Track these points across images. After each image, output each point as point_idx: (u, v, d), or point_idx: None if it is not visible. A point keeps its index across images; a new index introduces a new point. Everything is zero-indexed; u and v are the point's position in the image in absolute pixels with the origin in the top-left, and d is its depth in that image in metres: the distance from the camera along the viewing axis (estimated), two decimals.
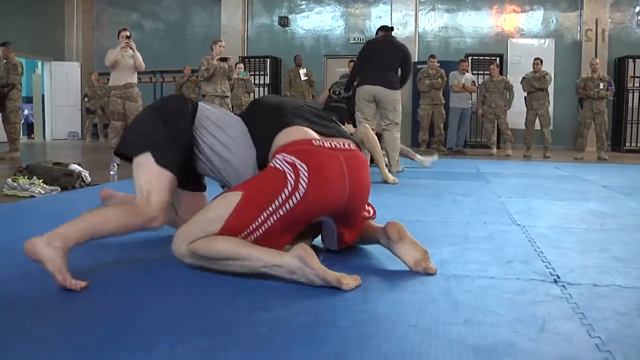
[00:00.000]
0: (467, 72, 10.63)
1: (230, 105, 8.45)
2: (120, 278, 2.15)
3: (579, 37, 12.29)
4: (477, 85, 10.63)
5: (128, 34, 7.11)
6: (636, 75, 11.59)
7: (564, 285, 2.09)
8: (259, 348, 1.48)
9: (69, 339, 1.53)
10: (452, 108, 10.52)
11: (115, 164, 5.44)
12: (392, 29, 6.69)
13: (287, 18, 13.46)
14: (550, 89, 9.99)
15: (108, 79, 7.75)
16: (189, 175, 2.51)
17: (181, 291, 1.98)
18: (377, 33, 6.67)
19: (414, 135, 11.58)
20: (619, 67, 11.90)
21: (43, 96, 14.30)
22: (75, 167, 4.90)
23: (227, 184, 2.46)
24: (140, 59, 7.18)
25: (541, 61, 9.73)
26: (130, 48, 7.08)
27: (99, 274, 2.18)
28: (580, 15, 12.26)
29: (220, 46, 8.09)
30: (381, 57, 6.25)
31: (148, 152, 2.30)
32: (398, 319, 1.73)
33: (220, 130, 2.45)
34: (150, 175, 2.28)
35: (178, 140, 2.37)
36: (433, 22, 13.00)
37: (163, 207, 2.25)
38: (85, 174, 4.91)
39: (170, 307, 1.80)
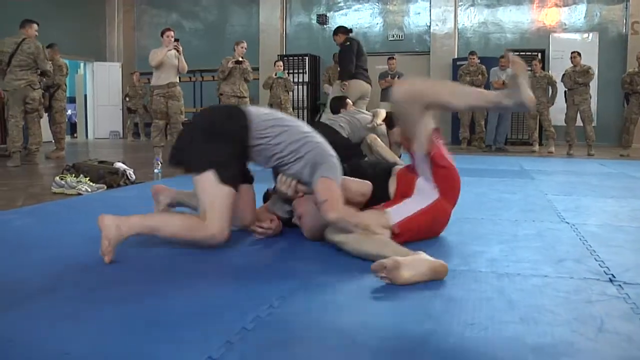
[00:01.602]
0: (508, 68, 10.46)
1: (248, 104, 8.51)
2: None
3: (624, 30, 11.99)
4: None
5: (173, 34, 7.20)
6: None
7: (620, 285, 2.04)
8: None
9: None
10: None
11: (160, 162, 5.52)
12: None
13: (326, 16, 13.45)
14: (594, 84, 9.77)
15: (149, 79, 7.86)
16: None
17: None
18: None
19: (455, 133, 11.47)
20: None
21: (85, 96, 14.57)
22: (120, 165, 4.98)
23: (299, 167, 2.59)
24: (184, 62, 7.31)
25: (579, 54, 9.51)
26: (177, 50, 7.18)
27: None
28: (626, 8, 11.95)
29: (242, 47, 8.36)
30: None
31: (212, 170, 2.43)
32: (454, 317, 1.71)
33: (279, 122, 2.64)
34: (213, 194, 2.43)
35: (238, 155, 2.57)
36: (473, 17, 12.83)
37: (224, 227, 2.41)
38: (130, 172, 4.99)
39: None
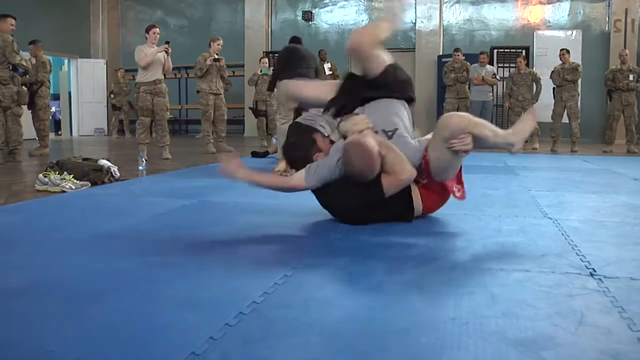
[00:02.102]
0: (487, 64, 10.48)
1: (224, 101, 8.65)
2: None
3: (607, 28, 12.10)
4: (498, 77, 10.47)
5: (158, 31, 7.19)
6: None
7: (600, 279, 2.07)
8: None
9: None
10: (473, 101, 10.40)
11: (144, 159, 5.50)
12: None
13: (311, 13, 13.45)
14: (578, 81, 9.83)
15: (134, 76, 7.83)
16: None
17: None
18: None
19: None
20: None
21: (70, 93, 14.46)
22: (104, 162, 4.96)
23: None
24: (170, 62, 7.34)
25: (568, 52, 9.56)
26: (167, 53, 7.19)
27: None
28: (608, 6, 12.06)
29: (218, 44, 8.42)
30: None
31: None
32: (435, 312, 1.73)
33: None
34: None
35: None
36: (458, 14, 12.88)
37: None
38: (114, 169, 4.97)
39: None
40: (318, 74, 6.11)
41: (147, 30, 7.23)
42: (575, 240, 2.68)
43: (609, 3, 12.05)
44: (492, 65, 11.51)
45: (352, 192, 2.87)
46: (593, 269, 2.20)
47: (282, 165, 5.17)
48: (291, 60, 6.58)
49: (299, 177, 2.97)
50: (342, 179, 2.90)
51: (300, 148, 3.10)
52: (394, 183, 2.83)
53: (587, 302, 1.83)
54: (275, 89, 6.82)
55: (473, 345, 1.48)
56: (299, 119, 3.43)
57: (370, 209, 2.90)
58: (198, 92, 8.42)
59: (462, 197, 3.14)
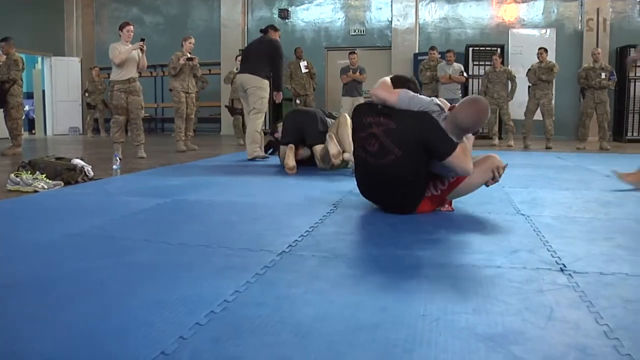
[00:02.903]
0: (455, 62, 10.48)
1: (194, 100, 8.61)
2: None
3: (580, 27, 12.24)
4: (465, 75, 10.46)
5: (132, 28, 7.14)
6: (638, 64, 11.54)
7: (570, 274, 2.10)
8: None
9: None
10: (441, 99, 10.41)
11: (118, 158, 5.45)
12: (269, 29, 7.05)
13: (287, 10, 13.43)
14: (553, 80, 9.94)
15: (109, 74, 7.76)
16: None
17: None
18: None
19: None
20: (620, 56, 11.84)
21: (43, 92, 14.26)
22: (77, 161, 4.90)
23: None
24: (145, 60, 7.29)
25: (546, 50, 9.66)
26: (142, 51, 7.14)
27: None
28: (581, 5, 12.20)
29: (190, 43, 8.44)
30: (252, 53, 6.86)
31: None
32: (406, 309, 1.73)
33: None
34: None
35: None
36: (434, 13, 12.94)
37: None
38: (88, 168, 4.91)
39: None
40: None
41: (121, 28, 7.15)
42: (547, 236, 2.71)
43: (581, 2, 12.18)
44: (468, 63, 11.59)
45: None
46: (563, 264, 2.22)
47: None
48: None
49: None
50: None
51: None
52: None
53: (556, 297, 1.85)
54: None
55: (443, 341, 1.49)
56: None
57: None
58: (171, 90, 8.41)
59: (452, 209, 3.41)
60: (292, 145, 5.46)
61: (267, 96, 6.67)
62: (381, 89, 3.23)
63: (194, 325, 1.57)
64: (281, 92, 6.85)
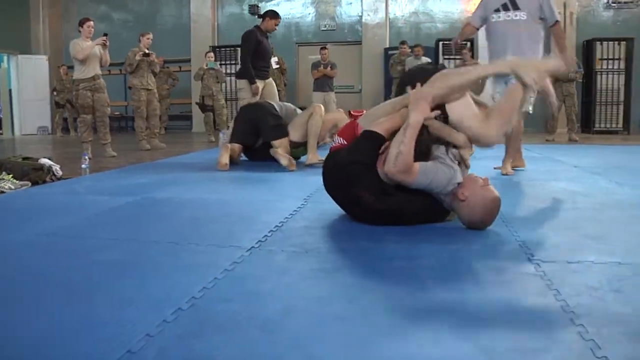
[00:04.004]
0: (423, 56, 10.54)
1: (156, 95, 8.43)
2: None
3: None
4: None
5: (93, 24, 7.05)
6: (604, 57, 11.73)
7: (538, 263, 2.12)
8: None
9: None
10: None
11: (87, 157, 5.38)
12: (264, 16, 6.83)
13: (258, 6, 13.34)
14: None
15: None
16: None
17: None
18: None
19: None
20: (587, 49, 12.02)
21: (10, 91, 14.01)
22: (45, 161, 4.83)
23: None
24: (108, 56, 7.20)
25: None
26: (105, 45, 7.04)
27: None
28: None
29: (148, 39, 8.25)
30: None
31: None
32: (374, 301, 1.74)
33: None
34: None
35: None
36: (404, 7, 13.00)
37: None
38: (56, 168, 4.84)
39: None
40: None
41: (81, 24, 7.02)
42: (515, 226, 2.74)
43: None
44: (438, 57, 11.65)
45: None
46: (531, 254, 2.25)
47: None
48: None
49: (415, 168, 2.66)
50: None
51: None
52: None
53: (524, 286, 1.88)
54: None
55: (411, 332, 1.50)
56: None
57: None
58: (130, 88, 8.25)
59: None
60: (228, 145, 5.43)
61: (248, 95, 6.54)
62: (396, 168, 2.59)
63: (161, 322, 1.55)
64: (256, 84, 6.52)
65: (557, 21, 4.72)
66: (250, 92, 6.44)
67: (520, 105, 2.93)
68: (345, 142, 2.88)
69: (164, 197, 3.76)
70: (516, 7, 4.60)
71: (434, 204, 2.73)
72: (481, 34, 5.18)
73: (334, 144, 2.97)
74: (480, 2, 4.95)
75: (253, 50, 6.46)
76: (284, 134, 5.41)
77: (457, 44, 5.31)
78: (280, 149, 5.25)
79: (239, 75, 6.74)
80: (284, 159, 5.12)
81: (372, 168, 2.73)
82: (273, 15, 6.68)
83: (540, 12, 4.64)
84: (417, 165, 2.61)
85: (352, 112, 5.63)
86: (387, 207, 2.70)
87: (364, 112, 3.02)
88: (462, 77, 2.79)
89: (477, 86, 3.20)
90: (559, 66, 2.96)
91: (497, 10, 4.67)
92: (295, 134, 5.45)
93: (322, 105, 5.63)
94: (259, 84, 6.57)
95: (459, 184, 2.63)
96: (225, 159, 5.25)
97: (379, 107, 2.98)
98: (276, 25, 6.71)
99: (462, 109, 2.77)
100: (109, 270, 2.10)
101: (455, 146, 2.78)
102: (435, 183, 2.62)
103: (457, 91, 2.76)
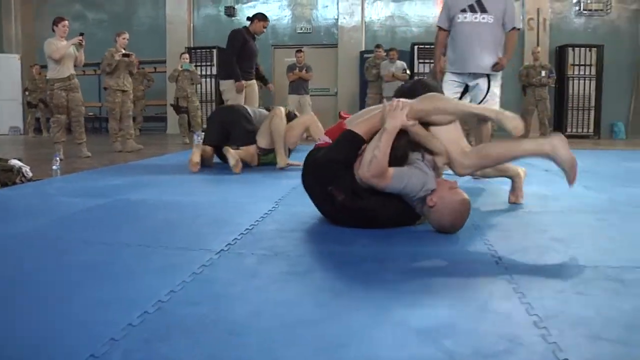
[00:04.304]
0: (398, 60, 10.59)
1: (131, 97, 8.24)
2: None
3: (521, 26, 12.53)
4: (408, 72, 10.58)
5: (67, 24, 6.99)
6: (576, 63, 11.91)
7: (505, 267, 2.14)
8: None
9: None
10: (386, 97, 10.56)
11: (58, 158, 5.31)
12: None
13: (234, 8, 13.33)
14: None
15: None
16: None
17: None
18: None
19: None
20: (559, 55, 12.20)
21: None
22: (15, 162, 4.76)
23: None
24: (83, 56, 7.15)
25: None
26: (81, 45, 7.00)
27: None
28: (522, 5, 12.49)
29: (124, 38, 8.04)
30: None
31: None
32: (340, 304, 1.75)
33: None
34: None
35: None
36: (380, 11, 13.06)
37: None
38: (26, 169, 4.78)
39: None
40: None
41: (56, 23, 6.94)
42: (485, 230, 2.77)
43: (522, 3, 12.47)
44: (413, 61, 11.71)
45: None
46: (499, 257, 2.27)
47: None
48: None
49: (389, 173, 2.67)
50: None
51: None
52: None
53: (490, 289, 1.90)
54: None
55: (377, 335, 1.50)
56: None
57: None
58: (105, 88, 8.06)
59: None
60: (200, 144, 5.42)
61: (231, 95, 6.50)
62: (370, 173, 2.60)
63: (127, 326, 1.54)
64: (241, 81, 6.46)
65: (515, 28, 4.74)
66: (235, 92, 6.41)
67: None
68: (331, 141, 2.89)
69: (137, 199, 3.74)
70: (484, 10, 4.60)
71: (407, 208, 2.74)
72: None
73: (319, 142, 2.98)
74: (444, 3, 4.92)
75: (239, 50, 6.45)
76: (252, 141, 5.41)
77: (439, 73, 5.18)
78: (232, 150, 5.22)
79: (223, 76, 6.71)
80: (232, 159, 5.09)
81: (349, 168, 2.74)
82: (262, 17, 6.73)
83: (504, 17, 4.67)
84: (392, 170, 2.62)
85: (341, 114, 5.63)
86: (360, 208, 2.72)
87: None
88: (451, 104, 2.93)
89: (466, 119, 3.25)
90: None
91: (464, 11, 4.64)
92: (262, 141, 5.45)
93: (282, 108, 5.61)
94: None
95: (432, 190, 2.65)
96: (196, 158, 5.21)
97: (368, 109, 3.00)
98: (264, 27, 6.76)
99: (447, 129, 2.83)
100: (77, 273, 2.08)
101: (430, 152, 2.80)
102: (409, 188, 2.63)
103: (443, 114, 2.82)
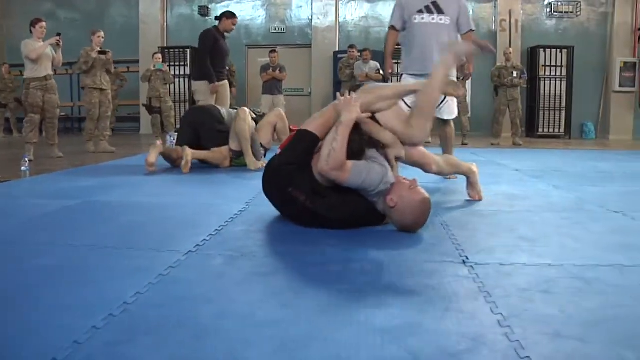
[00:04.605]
0: (371, 60, 10.61)
1: (109, 97, 8.04)
2: None
3: (494, 27, 12.66)
4: (381, 72, 10.60)
5: (45, 25, 6.97)
6: (547, 64, 12.06)
7: (471, 266, 2.17)
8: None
9: None
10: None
11: (27, 160, 5.24)
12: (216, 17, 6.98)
13: (208, 8, 13.26)
14: None
15: (21, 71, 7.48)
16: None
17: None
18: None
19: None
20: (531, 56, 12.34)
21: None
22: None
23: None
24: (61, 56, 7.11)
25: None
26: (59, 45, 6.95)
27: None
28: (495, 6, 12.62)
29: (99, 37, 7.88)
30: None
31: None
32: (305, 303, 1.76)
33: None
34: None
35: None
36: (354, 11, 13.09)
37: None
38: None
39: None
40: None
41: (33, 25, 6.90)
42: (453, 230, 2.79)
43: (495, 4, 12.61)
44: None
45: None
46: (466, 256, 2.30)
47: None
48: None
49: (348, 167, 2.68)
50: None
51: None
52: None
53: (456, 288, 1.91)
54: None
55: (340, 335, 1.51)
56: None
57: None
58: (83, 88, 7.88)
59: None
60: (159, 144, 5.38)
61: (203, 96, 6.50)
62: (329, 166, 2.64)
63: (91, 329, 1.53)
64: (215, 83, 6.50)
65: (471, 30, 4.78)
66: (208, 93, 6.42)
67: (435, 101, 3.13)
68: None
69: (106, 200, 3.70)
70: (440, 12, 4.61)
71: (370, 207, 2.76)
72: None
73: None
74: (397, 3, 4.92)
75: (210, 50, 6.46)
76: (224, 142, 5.39)
77: (389, 73, 5.28)
78: (188, 149, 5.19)
79: (196, 77, 6.70)
80: (184, 158, 5.09)
81: (306, 168, 2.77)
82: (229, 15, 6.78)
83: (458, 18, 4.70)
84: (350, 163, 2.66)
85: (291, 127, 5.63)
86: (321, 208, 2.73)
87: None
88: (388, 89, 3.10)
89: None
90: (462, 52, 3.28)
91: (420, 12, 4.63)
92: (233, 143, 5.42)
93: (245, 109, 5.58)
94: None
95: (392, 184, 2.68)
96: (151, 158, 5.09)
97: (320, 112, 3.02)
98: (233, 25, 6.78)
99: (389, 114, 2.95)
100: (42, 276, 2.05)
101: (383, 146, 2.88)
102: (369, 182, 2.66)
103: (384, 100, 2.95)
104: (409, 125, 2.97)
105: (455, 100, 4.85)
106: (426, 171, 3.34)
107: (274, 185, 2.89)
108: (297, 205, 2.75)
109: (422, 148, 3.22)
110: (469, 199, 3.69)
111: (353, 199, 2.74)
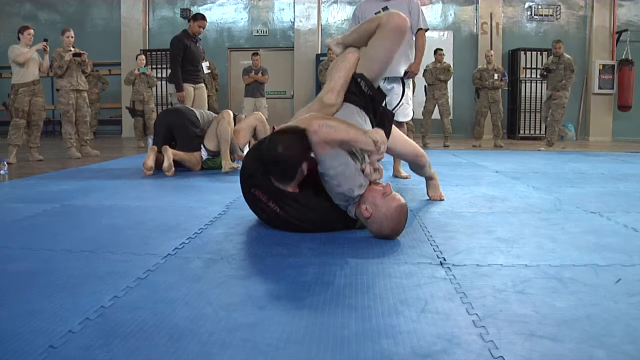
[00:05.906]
0: None
1: (87, 100, 7.90)
2: None
3: (475, 30, 12.77)
4: None
5: (33, 32, 7.09)
6: (528, 66, 12.18)
7: (449, 267, 2.19)
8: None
9: None
10: None
11: (6, 163, 5.20)
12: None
13: (190, 10, 13.20)
14: (449, 79, 10.32)
15: (1, 74, 7.45)
16: None
17: None
18: None
19: None
20: (512, 58, 12.46)
21: None
22: None
23: None
24: (48, 61, 7.22)
25: (442, 51, 10.04)
26: (45, 51, 7.08)
27: None
28: (476, 9, 12.73)
29: (69, 36, 7.67)
30: None
31: None
32: (281, 306, 1.77)
33: None
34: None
35: None
36: (336, 14, 13.14)
37: None
38: None
39: None
40: None
41: (21, 31, 7.03)
42: (431, 231, 2.81)
43: (476, 7, 12.71)
44: None
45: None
46: (443, 258, 2.32)
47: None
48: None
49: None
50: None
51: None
52: None
53: (432, 290, 1.93)
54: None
55: (316, 337, 1.52)
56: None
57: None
58: (58, 90, 7.72)
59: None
60: (154, 147, 5.38)
61: (179, 100, 6.54)
62: (317, 135, 2.59)
63: (67, 333, 1.52)
64: (182, 92, 6.59)
65: (422, 29, 4.84)
66: (177, 99, 6.52)
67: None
68: None
69: (85, 204, 3.68)
70: None
71: (340, 212, 2.76)
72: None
73: None
74: (353, 15, 4.96)
75: (181, 54, 6.51)
76: (197, 148, 5.42)
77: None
78: (170, 150, 5.22)
79: (169, 79, 6.77)
80: (166, 161, 5.15)
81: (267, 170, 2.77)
82: (196, 17, 6.82)
83: (409, 19, 4.72)
84: (335, 146, 2.59)
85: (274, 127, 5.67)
86: (290, 207, 2.73)
87: None
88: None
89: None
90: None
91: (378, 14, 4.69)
92: (210, 143, 5.44)
93: (230, 111, 5.60)
94: (189, 87, 6.61)
95: (364, 197, 2.65)
96: (150, 162, 5.15)
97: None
98: (200, 27, 6.80)
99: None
100: (18, 280, 2.04)
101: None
102: (343, 175, 2.59)
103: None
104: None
105: (410, 104, 4.95)
106: (422, 166, 3.44)
107: (243, 187, 2.90)
108: (265, 208, 2.76)
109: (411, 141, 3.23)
110: (447, 201, 3.73)
111: (323, 204, 2.74)
